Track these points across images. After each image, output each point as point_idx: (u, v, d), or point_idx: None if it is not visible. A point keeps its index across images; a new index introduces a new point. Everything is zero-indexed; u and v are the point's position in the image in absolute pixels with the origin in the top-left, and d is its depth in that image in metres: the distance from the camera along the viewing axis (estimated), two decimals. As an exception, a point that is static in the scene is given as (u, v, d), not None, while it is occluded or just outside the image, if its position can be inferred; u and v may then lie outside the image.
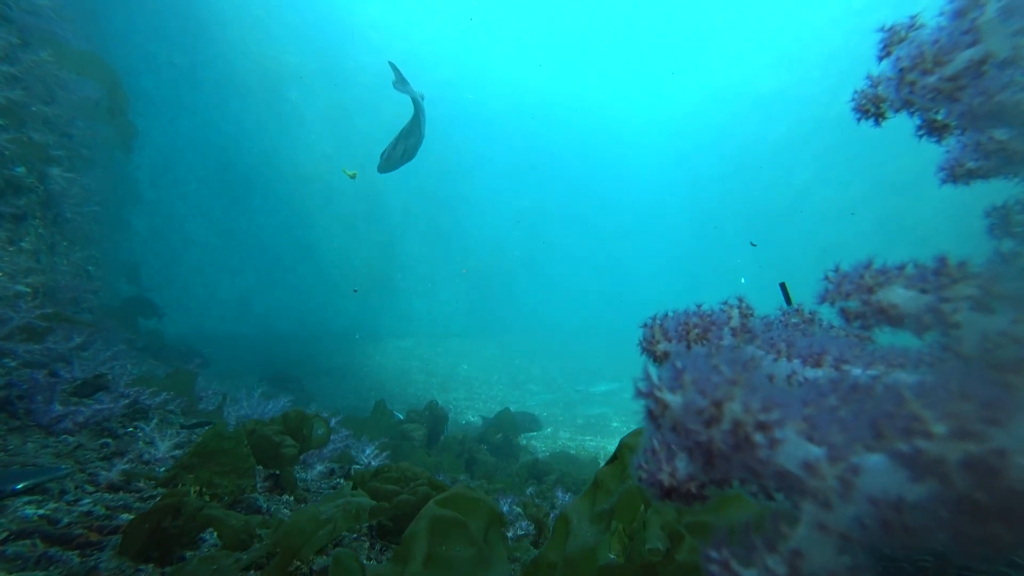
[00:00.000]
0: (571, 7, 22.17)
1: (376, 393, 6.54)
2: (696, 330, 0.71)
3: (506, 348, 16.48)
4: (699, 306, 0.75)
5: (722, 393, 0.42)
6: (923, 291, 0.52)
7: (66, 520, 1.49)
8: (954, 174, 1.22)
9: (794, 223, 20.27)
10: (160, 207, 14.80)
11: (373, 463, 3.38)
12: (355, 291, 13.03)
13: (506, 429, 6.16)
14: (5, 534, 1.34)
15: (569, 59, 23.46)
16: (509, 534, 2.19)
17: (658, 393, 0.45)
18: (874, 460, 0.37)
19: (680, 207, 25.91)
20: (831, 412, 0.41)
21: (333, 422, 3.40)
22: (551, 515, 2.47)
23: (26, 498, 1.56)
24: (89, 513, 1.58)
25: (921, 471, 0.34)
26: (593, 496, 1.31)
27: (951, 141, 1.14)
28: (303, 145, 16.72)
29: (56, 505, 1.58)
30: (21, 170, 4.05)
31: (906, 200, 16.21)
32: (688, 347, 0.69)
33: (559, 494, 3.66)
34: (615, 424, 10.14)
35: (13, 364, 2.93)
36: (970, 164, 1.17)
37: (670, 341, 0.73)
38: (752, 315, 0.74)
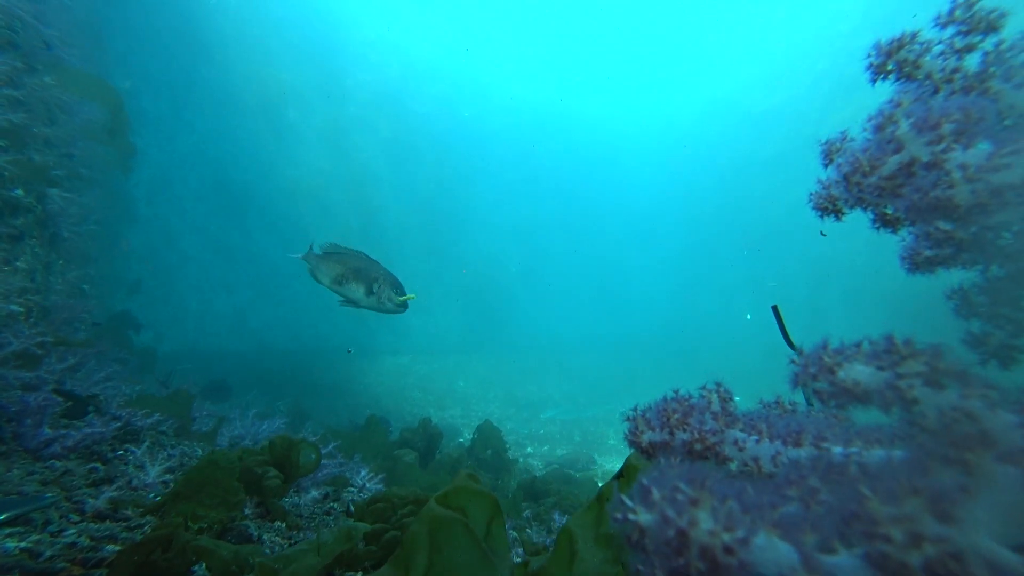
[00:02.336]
0: (567, 24, 22.73)
1: (371, 410, 6.46)
2: (676, 416, 0.74)
3: (503, 364, 16.39)
4: (676, 391, 0.79)
5: (686, 518, 0.43)
6: (880, 368, 0.54)
7: (48, 553, 1.46)
8: (915, 263, 1.32)
9: (787, 238, 20.47)
10: (156, 224, 14.82)
11: (368, 485, 3.33)
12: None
13: (493, 444, 6.10)
14: (-13, 569, 1.31)
15: (565, 75, 23.95)
16: (504, 561, 2.15)
17: (632, 516, 0.46)
18: (848, 562, 0.37)
19: (675, 222, 26.16)
20: (808, 502, 0.42)
21: (331, 446, 3.36)
22: (548, 544, 2.44)
23: (8, 530, 1.53)
24: (73, 544, 1.54)
25: (890, 574, 0.35)
26: (598, 512, 1.28)
27: (904, 232, 1.27)
28: (300, 162, 16.87)
29: (39, 537, 1.54)
30: (19, 191, 4.07)
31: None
32: (671, 434, 0.71)
33: (556, 517, 3.60)
34: (612, 441, 10.04)
35: (3, 387, 2.89)
36: (927, 253, 1.28)
37: (653, 430, 0.75)
38: (731, 399, 0.77)
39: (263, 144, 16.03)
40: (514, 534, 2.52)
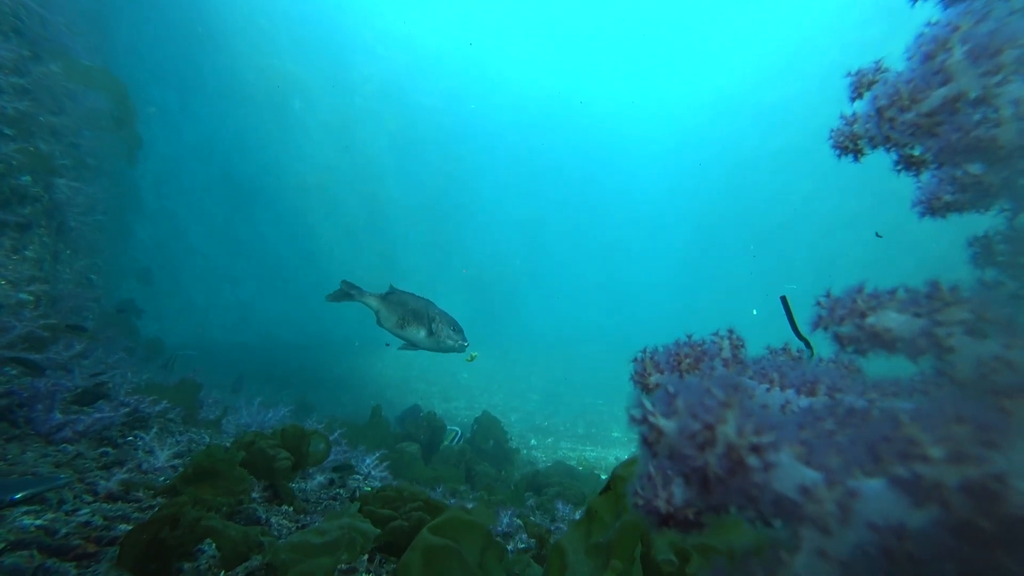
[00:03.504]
0: (574, 19, 22.50)
1: (376, 401, 6.51)
2: (687, 360, 0.72)
3: (507, 357, 16.43)
4: (689, 336, 0.76)
5: (715, 416, 0.42)
6: (916, 315, 0.52)
7: (64, 531, 1.48)
8: (931, 207, 1.25)
9: (794, 233, 20.31)
10: (163, 216, 14.91)
11: (373, 473, 3.36)
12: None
13: (494, 434, 6.14)
14: (3, 545, 1.33)
15: (572, 70, 23.75)
16: (510, 547, 2.17)
17: (652, 419, 0.45)
18: (873, 485, 0.36)
19: (680, 217, 26.01)
20: (828, 435, 0.41)
21: (335, 435, 3.39)
22: (552, 528, 2.45)
23: (24, 508, 1.55)
24: (87, 523, 1.57)
25: (921, 496, 0.34)
26: (588, 527, 1.30)
27: (926, 176, 1.17)
28: (306, 155, 16.87)
29: (54, 515, 1.57)
30: (27, 179, 4.09)
31: (907, 211, 16.22)
32: (680, 378, 0.69)
33: (559, 506, 3.62)
34: (616, 434, 10.06)
35: (14, 372, 2.93)
36: (947, 197, 1.21)
37: (661, 372, 0.73)
38: (742, 346, 0.75)
39: (269, 137, 16.05)
40: (518, 521, 2.54)
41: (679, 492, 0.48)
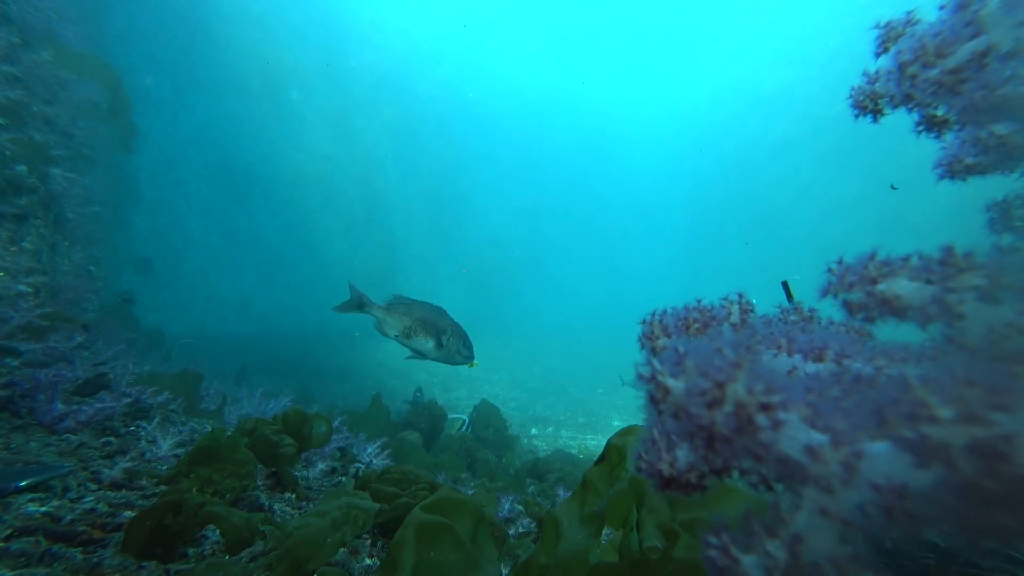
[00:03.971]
0: (573, 6, 22.15)
1: (378, 392, 6.57)
2: (696, 325, 0.71)
3: (507, 347, 16.48)
4: (699, 301, 0.76)
5: (725, 375, 0.42)
6: (928, 282, 0.52)
7: (69, 517, 1.50)
8: (951, 170, 1.21)
9: (795, 221, 20.26)
10: (161, 207, 14.83)
11: (375, 461, 3.39)
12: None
13: (493, 422, 6.20)
14: (9, 531, 1.34)
15: (570, 57, 23.46)
16: (511, 531, 2.19)
17: (660, 378, 0.45)
18: (878, 446, 0.37)
19: (680, 205, 25.90)
20: (835, 399, 0.41)
21: (336, 422, 3.41)
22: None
23: (29, 496, 1.57)
24: (92, 510, 1.58)
25: (926, 457, 0.34)
26: (583, 497, 1.31)
27: (948, 137, 1.13)
28: (303, 144, 16.73)
29: (59, 503, 1.58)
30: (22, 169, 4.06)
31: (907, 197, 16.17)
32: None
33: (560, 492, 3.66)
34: (616, 423, 10.14)
35: (15, 363, 2.94)
36: (968, 160, 1.17)
37: (669, 336, 0.72)
38: (752, 310, 0.74)
39: (266, 126, 15.90)
40: (520, 507, 2.56)
41: (683, 455, 0.48)
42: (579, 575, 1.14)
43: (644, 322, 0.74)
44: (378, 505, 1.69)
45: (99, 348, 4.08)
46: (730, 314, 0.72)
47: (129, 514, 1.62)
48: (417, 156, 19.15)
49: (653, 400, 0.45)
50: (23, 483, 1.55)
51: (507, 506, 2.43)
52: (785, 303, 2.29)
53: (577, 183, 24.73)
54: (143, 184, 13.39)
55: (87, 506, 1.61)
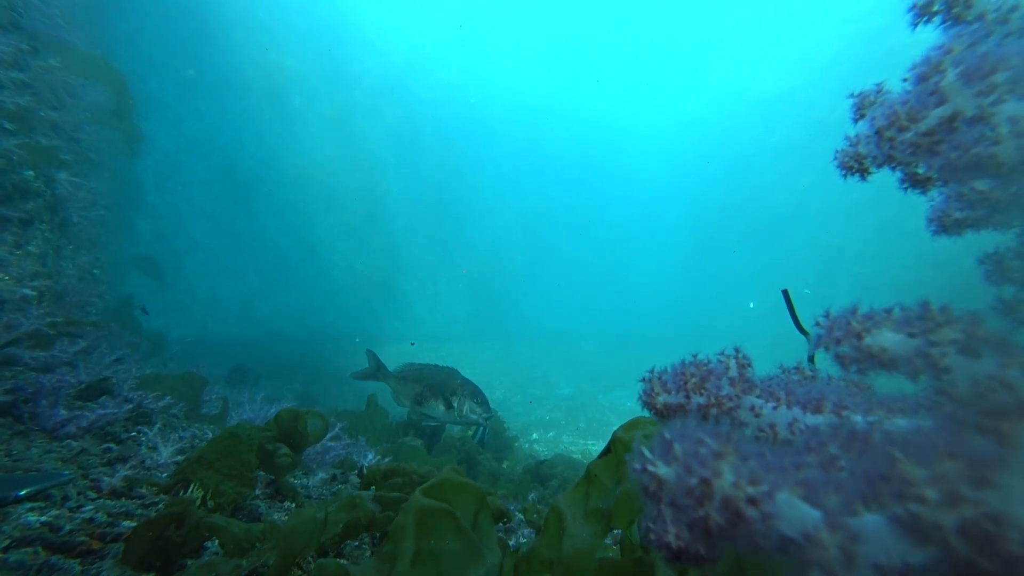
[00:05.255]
0: (575, 11, 22.26)
1: (378, 395, 6.56)
2: (694, 380, 0.72)
3: (509, 352, 16.46)
4: (695, 355, 0.77)
5: (710, 468, 0.42)
6: (911, 335, 0.52)
7: (68, 527, 1.49)
8: (943, 224, 1.25)
9: (796, 226, 20.21)
10: (164, 210, 14.90)
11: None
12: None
13: (494, 426, 6.18)
14: (7, 542, 1.34)
15: (572, 63, 23.55)
16: (512, 542, 2.18)
17: (651, 468, 0.46)
18: (874, 523, 0.36)
19: (682, 210, 25.89)
20: (832, 462, 0.41)
21: (338, 428, 3.41)
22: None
23: (29, 504, 1.56)
24: (91, 520, 1.58)
25: (921, 536, 0.33)
26: (586, 489, 1.28)
27: (935, 193, 1.17)
28: (306, 148, 16.81)
29: (58, 512, 1.58)
30: (29, 174, 4.09)
31: (909, 204, 16.10)
32: (687, 397, 0.70)
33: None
34: (617, 428, 10.10)
35: (19, 368, 2.95)
36: (957, 214, 1.21)
37: (669, 393, 0.74)
38: (749, 365, 0.75)
39: (269, 130, 15.98)
40: (520, 516, 2.55)
41: (688, 530, 0.48)
42: (584, 573, 1.12)
43: (644, 380, 0.76)
44: (377, 507, 1.68)
45: (103, 352, 4.09)
46: (728, 368, 0.73)
47: (128, 524, 1.62)
48: (419, 161, 19.22)
49: (647, 492, 0.46)
50: (23, 492, 1.55)
51: (508, 515, 2.42)
52: (784, 308, 2.27)
53: (579, 188, 24.76)
54: (147, 187, 13.47)
55: (86, 515, 1.61)
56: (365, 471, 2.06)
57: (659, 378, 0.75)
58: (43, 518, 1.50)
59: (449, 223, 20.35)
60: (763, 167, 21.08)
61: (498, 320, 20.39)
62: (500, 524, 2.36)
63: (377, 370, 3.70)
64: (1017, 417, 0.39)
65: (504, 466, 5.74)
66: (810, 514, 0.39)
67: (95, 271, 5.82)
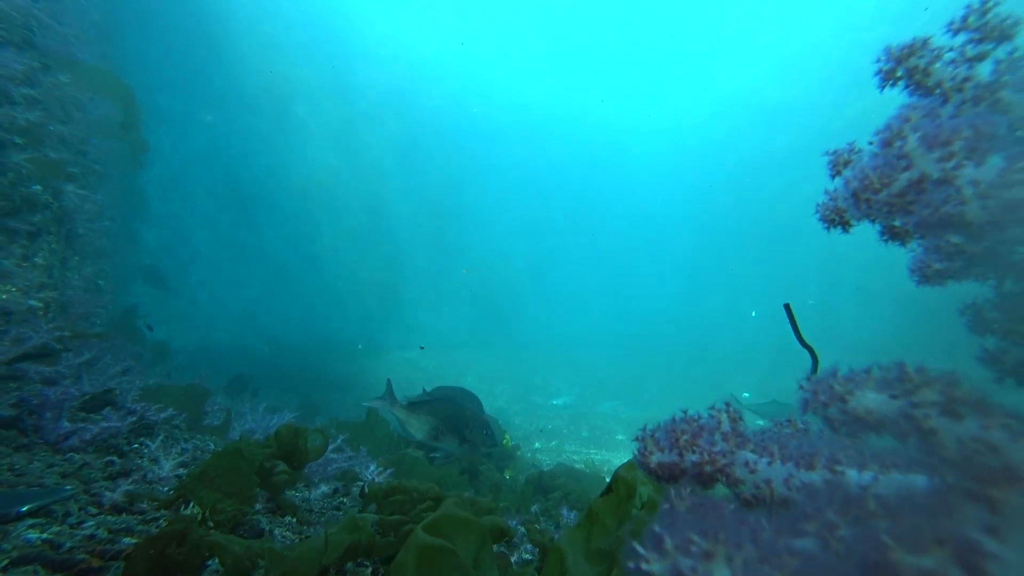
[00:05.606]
0: (576, 19, 22.50)
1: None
2: (685, 436, 0.73)
3: (511, 359, 16.41)
4: (685, 411, 0.78)
5: (701, 572, 0.42)
6: (893, 396, 0.52)
7: (68, 544, 1.49)
8: (925, 275, 1.29)
9: (798, 234, 20.18)
10: (168, 220, 15.03)
11: (377, 480, 3.36)
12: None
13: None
14: (6, 561, 1.34)
15: (574, 71, 23.75)
16: (514, 557, 2.16)
17: (645, 566, 0.46)
18: None
19: (685, 218, 25.91)
20: (826, 538, 0.40)
21: (340, 440, 3.40)
22: (556, 538, 2.43)
23: (30, 521, 1.56)
24: (92, 537, 1.58)
25: None
26: (588, 529, 1.28)
27: (914, 245, 1.23)
28: (309, 159, 16.97)
29: (59, 528, 1.58)
30: (38, 188, 4.14)
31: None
32: (680, 456, 0.70)
33: (564, 512, 3.61)
34: (620, 437, 10.02)
35: (24, 383, 2.96)
36: (937, 265, 1.26)
37: (662, 451, 0.74)
38: (740, 419, 0.76)
39: (273, 141, 16.16)
40: (522, 530, 2.53)
41: None
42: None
43: (637, 439, 0.77)
44: (376, 535, 1.67)
45: (107, 363, 4.11)
46: (720, 423, 0.74)
47: (129, 540, 1.61)
48: (421, 169, 19.36)
49: None
50: (24, 508, 1.55)
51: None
52: (789, 325, 2.26)
53: (580, 196, 24.85)
54: (152, 198, 13.60)
55: (87, 532, 1.61)
56: (367, 490, 2.05)
57: (652, 436, 0.76)
58: (44, 535, 1.50)
59: (451, 231, 20.43)
60: (766, 175, 21.12)
61: (500, 328, 20.36)
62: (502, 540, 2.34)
63: (390, 401, 3.72)
64: (1005, 483, 0.39)
65: (506, 476, 5.69)
66: None
67: (100, 282, 5.87)
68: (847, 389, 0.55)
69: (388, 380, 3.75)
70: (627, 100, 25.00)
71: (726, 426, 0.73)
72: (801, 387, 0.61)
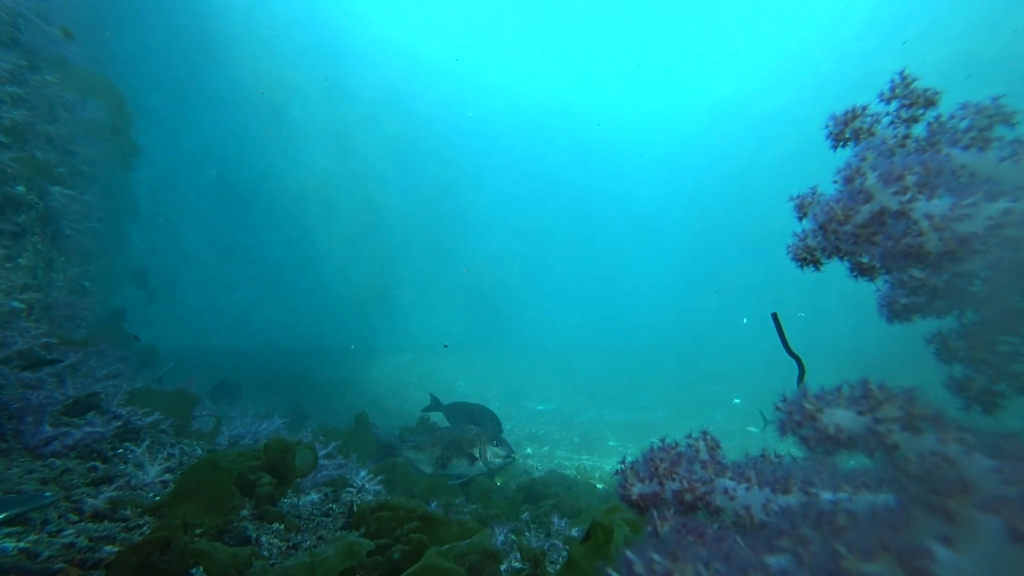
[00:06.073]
0: (572, 27, 22.72)
1: (372, 409, 6.47)
2: (664, 465, 0.76)
3: (503, 364, 16.38)
4: (663, 440, 0.80)
5: None
6: (860, 413, 0.54)
7: (46, 553, 1.45)
8: (893, 310, 1.37)
9: (789, 242, 20.41)
10: (159, 222, 14.87)
11: (367, 486, 3.32)
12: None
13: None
14: (-17, 570, 1.30)
15: (570, 76, 23.95)
16: (503, 566, 2.14)
17: None
18: None
19: (678, 224, 26.12)
20: (800, 549, 0.41)
21: (331, 447, 3.35)
22: (547, 547, 2.42)
23: (7, 530, 1.52)
24: (71, 545, 1.54)
25: None
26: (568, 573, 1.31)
27: (881, 282, 1.31)
28: (304, 161, 16.90)
29: (37, 536, 1.54)
30: (21, 189, 4.07)
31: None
32: (661, 485, 0.72)
33: (555, 520, 3.59)
34: (612, 443, 10.02)
35: (2, 383, 2.89)
36: (903, 300, 1.33)
37: (643, 482, 0.77)
38: (718, 447, 0.78)
39: (267, 143, 16.07)
40: (512, 537, 2.51)
41: None
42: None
43: (618, 472, 0.80)
44: (379, 558, 1.65)
45: (92, 366, 4.04)
46: (698, 452, 0.76)
47: (110, 548, 1.58)
48: (417, 173, 19.35)
49: None
50: (1, 516, 1.51)
51: (500, 538, 2.38)
52: (777, 335, 2.28)
53: (575, 201, 24.98)
54: (142, 199, 13.45)
55: (66, 540, 1.57)
56: (355, 507, 2.03)
57: (632, 468, 0.79)
58: (20, 544, 1.46)
59: (446, 235, 20.41)
60: (758, 183, 21.38)
61: (493, 333, 20.33)
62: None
63: (391, 449, 3.74)
64: (960, 495, 0.40)
65: (497, 482, 5.65)
66: None
67: (86, 283, 5.77)
68: (817, 408, 0.57)
69: (401, 429, 3.79)
70: (622, 108, 25.23)
71: (704, 454, 0.75)
72: (777, 408, 0.63)
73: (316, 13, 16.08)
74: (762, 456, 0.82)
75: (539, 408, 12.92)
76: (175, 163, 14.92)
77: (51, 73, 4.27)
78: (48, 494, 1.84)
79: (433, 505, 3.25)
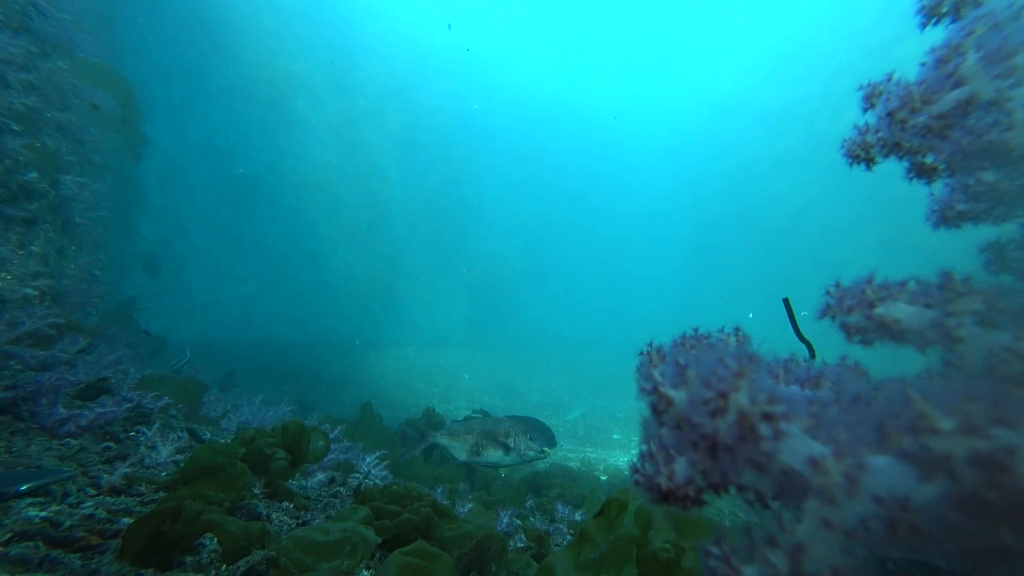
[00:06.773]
0: (577, 20, 22.55)
1: (377, 402, 6.51)
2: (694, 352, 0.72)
3: (508, 359, 16.41)
4: (696, 330, 0.76)
5: (728, 385, 0.42)
6: (926, 306, 0.53)
7: (68, 523, 1.49)
8: (944, 217, 1.25)
9: (796, 238, 20.28)
10: (166, 213, 14.95)
11: (373, 471, 3.36)
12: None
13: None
14: (8, 535, 1.34)
15: (575, 71, 23.80)
16: (510, 545, 2.17)
17: (662, 388, 0.46)
18: (881, 459, 0.37)
19: (683, 218, 25.99)
20: (836, 414, 0.41)
21: (337, 431, 3.39)
22: (551, 530, 2.45)
23: (29, 500, 1.56)
24: (91, 516, 1.58)
25: (929, 469, 0.34)
26: (579, 547, 1.31)
27: (939, 185, 1.17)
28: (309, 154, 16.91)
29: (58, 508, 1.58)
30: (34, 175, 4.12)
31: (909, 217, 16.19)
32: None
33: (559, 507, 3.62)
34: (616, 436, 10.05)
35: (19, 366, 2.95)
36: (960, 207, 1.20)
37: (667, 365, 0.73)
38: (749, 343, 0.75)
39: (272, 136, 16.08)
40: (518, 522, 2.54)
41: (680, 469, 0.48)
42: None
43: (642, 353, 0.75)
44: (377, 539, 1.69)
45: (102, 352, 4.09)
46: (727, 345, 0.73)
47: (127, 520, 1.61)
48: (421, 167, 19.33)
49: (655, 410, 0.46)
50: (24, 487, 1.55)
51: (505, 520, 2.41)
52: (785, 318, 2.28)
53: (580, 195, 24.87)
54: (150, 190, 13.52)
55: (86, 511, 1.61)
56: (363, 487, 2.07)
57: (658, 351, 0.75)
58: (44, 513, 1.50)
59: (450, 229, 20.39)
60: (764, 179, 21.20)
61: (497, 327, 20.35)
62: (499, 527, 2.35)
63: (423, 435, 3.80)
64: None
65: (501, 474, 5.69)
66: (818, 445, 0.39)
67: (96, 272, 5.83)
68: (879, 296, 0.56)
69: (423, 418, 3.86)
70: (627, 101, 25.06)
71: (733, 348, 0.73)
72: (828, 292, 0.61)
73: (320, 5, 16.04)
74: (791, 358, 0.80)
75: (542, 401, 12.96)
76: (181, 155, 14.97)
77: (61, 60, 4.30)
78: (66, 469, 1.89)
79: (438, 491, 3.29)
